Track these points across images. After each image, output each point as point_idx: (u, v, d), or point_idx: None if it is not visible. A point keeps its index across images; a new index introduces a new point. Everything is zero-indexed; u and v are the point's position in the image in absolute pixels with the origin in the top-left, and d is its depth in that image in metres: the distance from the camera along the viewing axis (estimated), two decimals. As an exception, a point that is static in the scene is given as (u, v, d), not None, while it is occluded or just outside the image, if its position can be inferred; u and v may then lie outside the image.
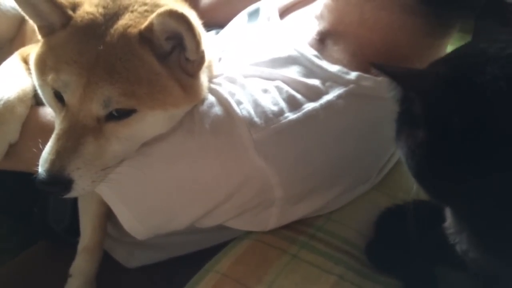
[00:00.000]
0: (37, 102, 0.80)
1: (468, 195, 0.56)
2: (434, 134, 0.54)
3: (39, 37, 0.73)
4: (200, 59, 0.72)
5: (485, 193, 0.54)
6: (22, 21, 0.97)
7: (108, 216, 0.95)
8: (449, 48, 0.92)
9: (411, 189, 0.60)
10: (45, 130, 0.71)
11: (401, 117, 0.59)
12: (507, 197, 0.53)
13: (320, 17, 0.90)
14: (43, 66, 0.70)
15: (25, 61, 0.82)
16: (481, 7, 0.65)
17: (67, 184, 0.67)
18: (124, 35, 0.67)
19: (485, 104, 0.51)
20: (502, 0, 0.65)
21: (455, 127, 0.52)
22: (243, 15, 1.05)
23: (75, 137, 0.67)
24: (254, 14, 1.02)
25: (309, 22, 0.92)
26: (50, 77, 0.68)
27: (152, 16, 0.66)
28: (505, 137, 0.51)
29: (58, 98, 0.69)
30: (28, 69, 0.79)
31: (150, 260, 1.02)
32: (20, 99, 0.77)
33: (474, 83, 0.52)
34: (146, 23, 0.67)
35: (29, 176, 0.69)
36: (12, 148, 0.77)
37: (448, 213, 0.63)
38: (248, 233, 0.84)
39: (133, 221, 0.77)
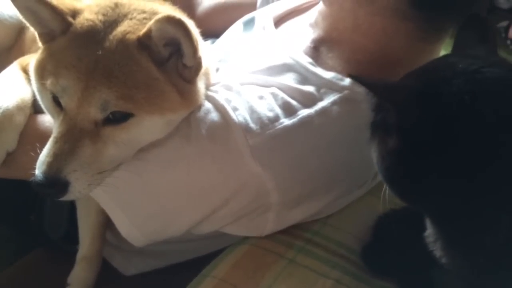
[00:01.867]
0: (35, 110, 0.81)
1: (432, 199, 0.60)
2: (404, 142, 0.58)
3: (40, 44, 0.74)
4: (197, 65, 0.73)
5: (448, 198, 0.58)
6: (20, 30, 0.98)
7: (107, 225, 0.95)
8: (443, 53, 0.94)
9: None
10: (43, 137, 0.72)
11: (375, 123, 0.64)
12: (470, 204, 0.57)
13: (315, 25, 0.92)
14: (43, 71, 0.71)
15: (25, 71, 0.83)
16: (463, 21, 0.68)
17: (64, 186, 0.67)
18: (123, 41, 0.68)
19: (449, 116, 0.55)
20: (481, 16, 0.68)
21: (423, 136, 0.56)
22: (238, 25, 1.06)
23: (72, 140, 0.67)
24: (250, 23, 1.03)
25: (303, 31, 0.93)
26: (49, 82, 0.69)
27: (151, 22, 0.67)
28: (467, 148, 0.55)
29: (56, 102, 0.70)
30: (27, 78, 0.80)
31: (148, 268, 1.02)
32: (19, 108, 0.78)
33: (441, 96, 0.56)
34: (144, 29, 0.68)
35: (26, 184, 0.69)
36: (10, 156, 0.77)
37: (427, 222, 0.65)
38: (245, 238, 0.84)
39: (131, 227, 0.78)
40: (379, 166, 0.63)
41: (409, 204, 0.66)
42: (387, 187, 0.64)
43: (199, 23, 0.84)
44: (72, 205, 0.97)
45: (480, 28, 0.66)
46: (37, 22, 0.71)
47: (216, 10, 1.25)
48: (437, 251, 0.63)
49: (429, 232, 0.64)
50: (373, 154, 0.64)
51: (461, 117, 0.55)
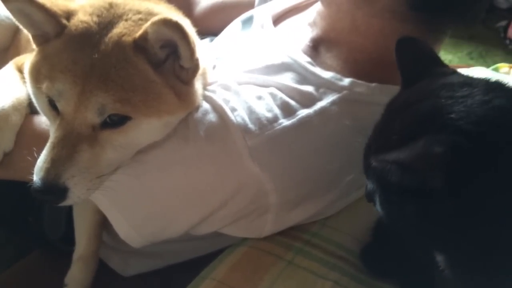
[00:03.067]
0: (31, 111, 0.81)
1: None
2: (430, 206, 0.54)
3: (34, 46, 0.73)
4: (194, 67, 0.72)
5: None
6: (16, 31, 0.97)
7: (103, 224, 0.95)
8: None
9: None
10: (40, 138, 0.71)
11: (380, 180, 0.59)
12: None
13: (313, 24, 0.91)
14: (38, 74, 0.70)
15: (20, 70, 0.82)
16: (397, 43, 0.65)
17: (62, 192, 0.67)
18: (119, 43, 0.67)
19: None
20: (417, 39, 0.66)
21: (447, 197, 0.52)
22: (237, 23, 1.06)
23: (70, 145, 0.67)
24: (248, 21, 1.02)
25: (302, 29, 0.93)
26: (44, 86, 0.68)
27: (147, 24, 0.67)
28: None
29: (53, 106, 0.70)
30: (23, 78, 0.79)
31: (146, 268, 1.02)
32: (15, 108, 0.77)
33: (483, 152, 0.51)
34: (140, 32, 0.67)
35: (24, 185, 0.69)
36: (6, 157, 0.76)
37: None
38: (244, 240, 0.84)
39: (128, 228, 0.77)
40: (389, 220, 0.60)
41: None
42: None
43: (197, 21, 0.84)
44: (70, 207, 0.97)
45: (421, 50, 0.64)
46: (31, 24, 0.70)
47: (214, 9, 1.24)
48: (441, 263, 0.62)
49: (440, 259, 0.62)
50: (370, 185, 0.61)
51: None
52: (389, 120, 0.61)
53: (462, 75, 0.62)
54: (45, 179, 0.66)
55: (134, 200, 0.76)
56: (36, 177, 0.67)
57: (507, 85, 0.60)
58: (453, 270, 0.61)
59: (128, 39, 0.68)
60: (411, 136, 0.53)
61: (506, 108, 0.53)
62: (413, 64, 0.63)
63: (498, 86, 0.59)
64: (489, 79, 0.60)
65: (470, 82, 0.58)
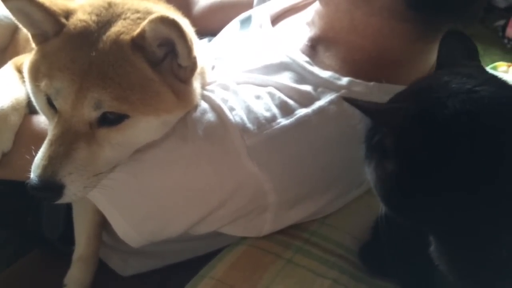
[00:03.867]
0: (30, 111, 0.81)
1: (434, 219, 0.60)
2: (402, 166, 0.58)
3: (33, 45, 0.73)
4: (192, 65, 0.72)
5: (449, 217, 0.58)
6: (15, 30, 0.97)
7: (103, 225, 0.95)
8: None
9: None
10: (39, 138, 0.71)
11: (370, 146, 0.63)
12: (471, 222, 0.57)
13: (312, 24, 0.91)
14: (37, 73, 0.70)
15: (19, 70, 0.82)
16: (445, 35, 0.68)
17: (59, 189, 0.67)
18: (117, 41, 0.68)
19: (448, 137, 0.55)
20: (463, 33, 0.68)
21: (422, 159, 0.56)
22: (235, 23, 1.06)
23: (67, 142, 0.67)
24: (246, 21, 1.02)
25: (300, 29, 0.93)
26: (43, 84, 0.68)
27: (144, 23, 0.67)
28: (467, 168, 0.55)
29: (51, 104, 0.70)
30: (22, 78, 0.79)
31: (145, 268, 1.02)
32: (14, 108, 0.77)
33: (438, 118, 0.56)
34: (138, 30, 0.67)
35: (23, 185, 0.69)
36: (5, 157, 0.76)
37: (432, 238, 0.65)
38: (243, 239, 0.84)
39: (127, 228, 0.77)
40: (378, 190, 0.62)
41: (411, 223, 0.64)
42: (384, 209, 0.64)
43: (195, 21, 0.84)
44: (68, 206, 0.97)
45: (463, 44, 0.66)
46: (30, 23, 0.71)
47: (212, 9, 1.24)
48: (443, 266, 0.63)
49: (434, 247, 0.64)
50: (370, 176, 0.64)
51: (460, 137, 0.55)
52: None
53: (478, 69, 0.64)
54: (42, 176, 0.66)
55: (133, 199, 0.76)
56: (33, 174, 0.67)
57: (508, 84, 0.61)
58: (453, 268, 0.62)
59: (126, 37, 0.68)
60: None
61: (485, 100, 0.57)
62: (450, 56, 0.66)
63: (498, 83, 0.61)
64: (498, 77, 0.62)
65: (476, 75, 0.60)
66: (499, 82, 0.61)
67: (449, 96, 0.57)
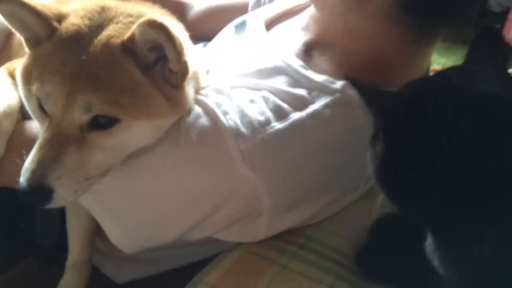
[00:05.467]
0: (23, 116, 0.80)
1: (418, 206, 0.61)
2: (389, 148, 0.61)
3: (26, 49, 0.73)
4: (183, 70, 0.72)
5: (430, 206, 0.60)
6: (8, 36, 0.97)
7: (97, 232, 0.94)
8: (436, 57, 0.94)
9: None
10: (31, 144, 0.71)
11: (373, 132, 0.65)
12: (451, 214, 0.58)
13: (306, 28, 0.91)
14: (28, 76, 0.70)
15: (12, 76, 0.82)
16: (477, 34, 0.69)
17: (48, 193, 0.66)
18: (107, 45, 0.67)
19: (432, 128, 0.57)
20: (496, 29, 0.69)
21: (406, 145, 0.59)
22: (230, 28, 1.06)
23: (57, 146, 0.66)
24: (241, 26, 1.02)
25: (295, 33, 0.93)
26: (34, 87, 0.68)
27: (134, 26, 0.67)
28: (448, 160, 0.56)
29: (42, 108, 0.69)
30: (15, 83, 0.79)
31: (140, 275, 1.01)
32: (6, 114, 0.77)
33: (426, 108, 0.58)
34: (128, 34, 0.67)
35: (15, 191, 0.68)
36: None
37: (427, 232, 0.65)
38: (238, 244, 0.83)
39: (121, 234, 0.77)
40: (370, 168, 0.65)
41: (399, 208, 0.66)
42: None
43: (190, 26, 0.84)
44: (62, 213, 0.96)
45: (492, 41, 0.67)
46: (23, 27, 0.70)
47: (207, 14, 1.25)
48: (435, 261, 0.63)
49: (428, 241, 0.64)
50: (367, 155, 0.66)
51: (443, 130, 0.56)
52: None
53: (493, 69, 0.65)
54: (31, 180, 0.65)
55: (125, 204, 0.76)
56: (22, 178, 0.66)
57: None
58: (443, 263, 0.62)
59: (116, 41, 0.68)
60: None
61: (481, 96, 0.58)
62: (477, 53, 0.68)
63: (496, 79, 0.62)
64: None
65: (485, 73, 0.62)
66: (501, 80, 0.62)
67: (443, 89, 0.59)
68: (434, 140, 0.56)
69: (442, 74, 0.65)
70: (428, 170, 0.57)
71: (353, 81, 0.64)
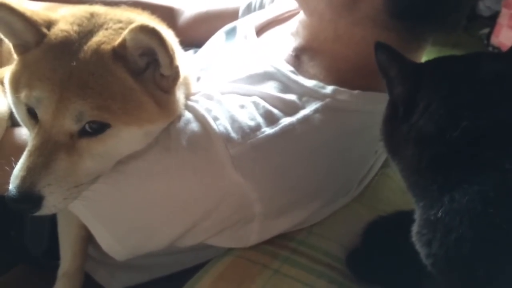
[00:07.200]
0: (12, 123, 0.80)
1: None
2: (389, 108, 0.69)
3: (15, 56, 0.72)
4: (174, 75, 0.72)
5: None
6: (-2, 43, 0.97)
7: (88, 239, 0.93)
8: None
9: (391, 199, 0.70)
10: (21, 151, 0.70)
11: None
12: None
13: (296, 34, 0.91)
14: (17, 83, 0.69)
15: (1, 82, 0.81)
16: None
17: (37, 200, 0.65)
18: (97, 51, 0.67)
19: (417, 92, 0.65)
20: None
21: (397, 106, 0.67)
22: (220, 34, 1.06)
23: (46, 153, 0.66)
24: (231, 32, 1.03)
25: (285, 39, 0.93)
26: (23, 94, 0.67)
27: (125, 32, 0.66)
28: (418, 123, 0.63)
29: (32, 115, 0.69)
30: (4, 90, 0.78)
31: (132, 281, 1.00)
32: None
33: (422, 76, 0.66)
34: (119, 40, 0.67)
35: (5, 198, 0.68)
36: None
37: (416, 215, 0.65)
38: (230, 250, 0.83)
39: (111, 241, 0.76)
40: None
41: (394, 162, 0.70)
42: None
43: (180, 33, 0.84)
44: (53, 220, 0.95)
45: None
46: (11, 33, 0.70)
47: (198, 20, 1.25)
48: (420, 247, 0.63)
49: (416, 225, 0.64)
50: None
51: (425, 96, 0.64)
52: None
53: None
54: (20, 187, 0.65)
55: (115, 211, 0.75)
56: (11, 186, 0.65)
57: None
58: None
59: (107, 47, 0.68)
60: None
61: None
62: None
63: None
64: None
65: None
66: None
67: (447, 61, 0.68)
68: (413, 107, 0.64)
69: (458, 57, 0.69)
70: (405, 132, 0.64)
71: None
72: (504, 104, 0.62)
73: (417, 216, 0.63)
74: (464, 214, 0.56)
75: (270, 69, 0.84)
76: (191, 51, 1.11)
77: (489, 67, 0.65)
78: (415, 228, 0.63)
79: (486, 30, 1.86)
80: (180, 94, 0.76)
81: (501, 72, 0.64)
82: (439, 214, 0.58)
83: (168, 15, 1.20)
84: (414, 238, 0.63)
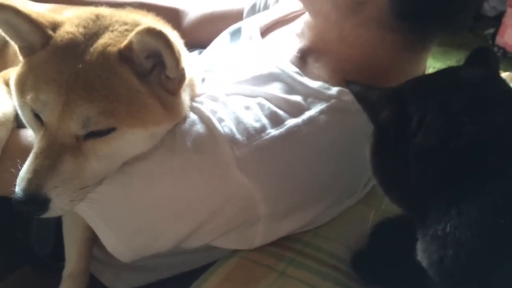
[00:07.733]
0: (18, 125, 0.80)
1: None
2: (376, 136, 0.68)
3: (21, 58, 0.73)
4: (180, 77, 0.72)
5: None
6: (4, 44, 0.97)
7: (93, 241, 0.93)
8: (431, 61, 0.94)
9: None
10: (26, 152, 0.70)
11: None
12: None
13: (301, 35, 0.91)
14: (23, 86, 0.69)
15: (7, 84, 0.81)
16: (469, 55, 0.72)
17: (44, 203, 0.65)
18: (104, 53, 0.67)
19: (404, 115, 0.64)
20: (488, 50, 0.73)
21: (386, 132, 0.66)
22: (225, 35, 1.06)
23: (53, 155, 0.66)
24: (236, 33, 1.03)
25: (290, 40, 0.93)
26: (29, 97, 0.67)
27: (132, 34, 0.66)
28: (416, 144, 0.62)
29: (37, 117, 0.69)
30: (10, 92, 0.78)
31: (137, 283, 1.00)
32: (1, 122, 0.77)
33: (403, 98, 0.65)
34: (125, 42, 0.67)
35: (11, 201, 0.68)
36: None
37: (419, 233, 0.65)
38: (235, 251, 0.83)
39: (117, 242, 0.76)
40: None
41: (388, 195, 0.70)
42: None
43: (185, 34, 0.84)
44: (59, 222, 0.96)
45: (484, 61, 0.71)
46: (17, 35, 0.70)
47: (202, 21, 1.25)
48: (429, 266, 0.62)
49: (417, 243, 0.63)
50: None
51: (415, 116, 0.64)
52: None
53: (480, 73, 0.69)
54: (27, 190, 0.65)
55: (121, 212, 0.75)
56: (17, 188, 0.65)
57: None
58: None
59: (113, 49, 0.68)
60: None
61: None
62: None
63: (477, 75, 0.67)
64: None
65: (470, 73, 0.68)
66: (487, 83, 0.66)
67: (423, 82, 0.68)
68: (406, 125, 0.63)
69: (434, 73, 0.70)
70: (402, 153, 0.63)
71: (348, 82, 0.69)
72: (497, 107, 0.61)
73: (420, 234, 0.62)
74: (474, 227, 0.55)
75: (275, 70, 0.84)
76: (195, 52, 1.11)
77: (467, 74, 0.66)
78: (420, 246, 0.62)
79: (491, 30, 1.86)
80: (185, 96, 0.77)
81: (482, 76, 0.65)
82: (448, 229, 0.56)
83: (173, 16, 1.20)
84: (421, 256, 0.62)
